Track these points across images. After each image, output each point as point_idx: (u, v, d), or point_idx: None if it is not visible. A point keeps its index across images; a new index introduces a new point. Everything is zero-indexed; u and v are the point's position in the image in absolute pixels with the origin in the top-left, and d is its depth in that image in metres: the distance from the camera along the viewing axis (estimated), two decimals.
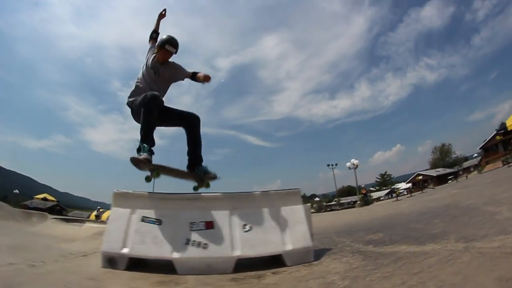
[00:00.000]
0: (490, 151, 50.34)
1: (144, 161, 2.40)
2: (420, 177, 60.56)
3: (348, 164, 25.51)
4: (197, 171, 2.74)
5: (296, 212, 2.49)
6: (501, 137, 47.55)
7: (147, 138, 2.51)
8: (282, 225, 2.39)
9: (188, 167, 2.79)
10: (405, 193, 39.02)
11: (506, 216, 2.55)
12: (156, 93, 2.59)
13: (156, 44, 2.90)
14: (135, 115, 2.74)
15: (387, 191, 66.01)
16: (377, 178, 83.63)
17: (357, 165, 27.72)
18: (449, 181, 25.42)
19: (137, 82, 2.82)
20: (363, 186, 37.99)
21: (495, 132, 49.19)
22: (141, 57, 3.06)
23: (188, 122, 2.81)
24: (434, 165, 74.12)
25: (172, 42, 2.82)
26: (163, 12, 3.12)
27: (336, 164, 37.94)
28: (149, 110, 2.51)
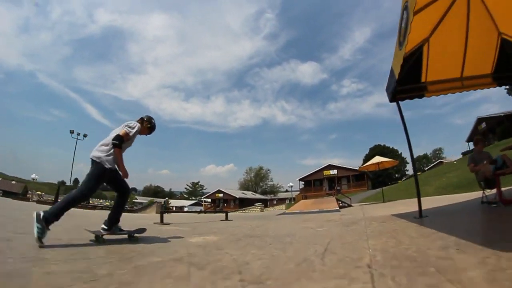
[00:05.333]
0: (311, 185, 44.82)
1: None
2: (221, 195, 50.16)
3: None
4: (114, 229, 3.06)
5: None
6: (329, 172, 41.47)
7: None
8: None
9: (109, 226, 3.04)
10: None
11: None
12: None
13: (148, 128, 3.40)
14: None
15: (193, 201, 57.52)
16: (187, 185, 70.84)
17: None
18: (254, 207, 24.45)
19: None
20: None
21: (323, 166, 43.35)
22: None
23: (127, 192, 3.18)
24: (244, 187, 64.54)
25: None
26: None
27: None
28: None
